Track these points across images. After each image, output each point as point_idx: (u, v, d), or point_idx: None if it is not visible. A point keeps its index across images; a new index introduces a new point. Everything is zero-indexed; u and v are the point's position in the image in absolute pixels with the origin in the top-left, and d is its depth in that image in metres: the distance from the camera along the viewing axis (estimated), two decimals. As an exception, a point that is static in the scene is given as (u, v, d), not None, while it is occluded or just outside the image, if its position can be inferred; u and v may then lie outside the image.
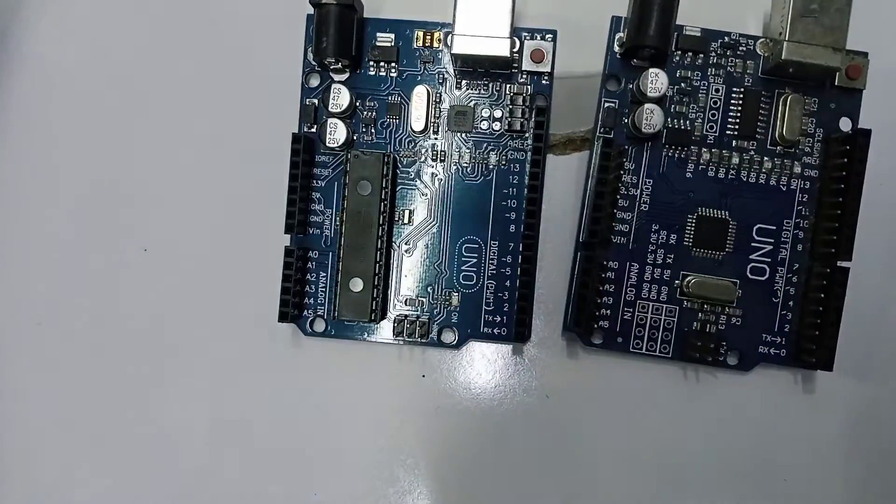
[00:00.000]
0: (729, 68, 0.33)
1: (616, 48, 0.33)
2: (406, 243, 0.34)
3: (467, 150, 0.34)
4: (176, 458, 0.35)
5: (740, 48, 0.33)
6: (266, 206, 0.34)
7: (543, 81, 0.33)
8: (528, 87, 0.33)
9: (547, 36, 0.33)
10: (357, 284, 0.32)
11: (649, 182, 0.33)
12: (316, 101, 0.34)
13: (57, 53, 0.37)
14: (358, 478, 0.35)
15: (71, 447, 0.35)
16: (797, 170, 0.33)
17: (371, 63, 0.34)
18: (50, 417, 0.35)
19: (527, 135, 0.33)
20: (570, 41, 0.33)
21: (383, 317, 0.34)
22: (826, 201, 0.33)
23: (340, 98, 0.33)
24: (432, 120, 0.34)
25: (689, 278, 0.33)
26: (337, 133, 0.33)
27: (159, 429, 0.35)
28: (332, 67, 0.34)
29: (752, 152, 0.33)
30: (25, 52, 0.37)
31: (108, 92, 0.37)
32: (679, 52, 0.33)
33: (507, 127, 0.33)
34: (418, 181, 0.34)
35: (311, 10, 0.33)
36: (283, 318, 0.33)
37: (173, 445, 0.35)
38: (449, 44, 0.33)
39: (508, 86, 0.33)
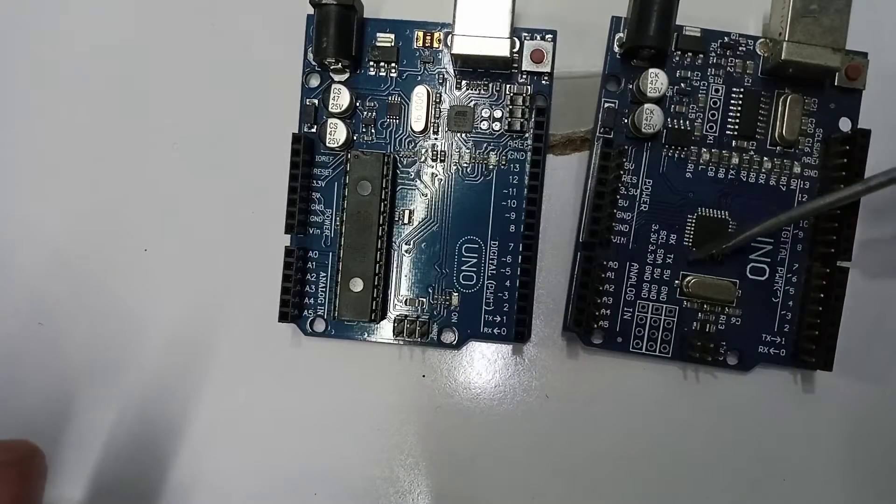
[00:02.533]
0: (729, 68, 0.33)
1: (616, 48, 0.33)
2: (406, 243, 0.34)
3: (467, 151, 0.34)
4: (175, 458, 0.35)
5: (740, 48, 0.33)
6: (266, 206, 0.35)
7: (543, 81, 0.33)
8: (528, 87, 0.33)
9: (547, 36, 0.33)
10: (357, 284, 0.32)
11: (649, 182, 0.33)
12: (316, 101, 0.34)
13: (56, 52, 0.37)
14: (358, 478, 0.35)
15: (69, 447, 0.35)
16: (797, 170, 0.33)
17: (371, 63, 0.34)
18: (50, 418, 0.35)
19: (527, 135, 0.33)
20: (570, 41, 0.33)
21: (383, 317, 0.34)
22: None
23: (340, 98, 0.33)
24: (432, 120, 0.34)
25: (688, 278, 0.33)
26: (337, 133, 0.33)
27: (158, 429, 0.35)
28: (332, 68, 0.34)
29: (752, 152, 0.33)
30: (25, 51, 0.37)
31: (108, 91, 0.37)
32: (679, 53, 0.33)
33: (506, 127, 0.33)
34: (418, 181, 0.34)
35: (311, 10, 0.33)
36: (283, 318, 0.33)
37: (173, 445, 0.35)
38: (449, 44, 0.33)
39: (508, 86, 0.33)
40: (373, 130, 0.34)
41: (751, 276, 0.33)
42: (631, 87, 0.33)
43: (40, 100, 0.37)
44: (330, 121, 0.33)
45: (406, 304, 0.34)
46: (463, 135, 0.34)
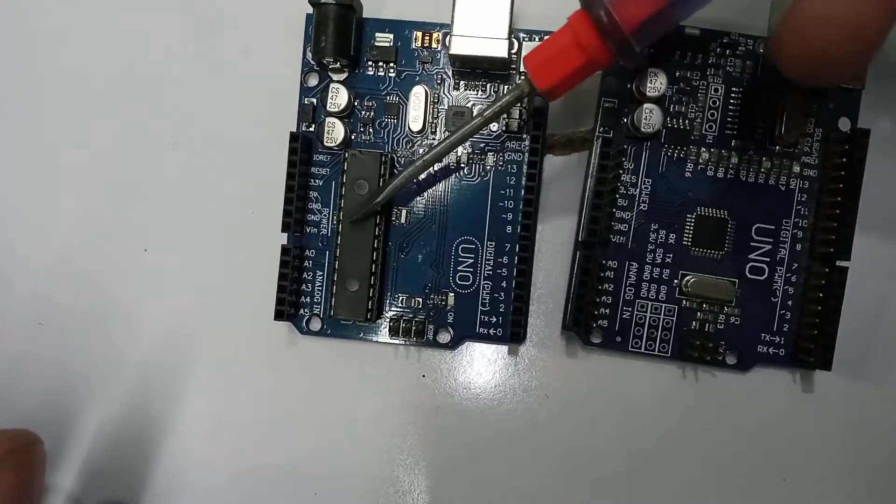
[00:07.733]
0: (728, 68, 0.33)
1: (615, 48, 0.33)
2: (403, 243, 0.34)
3: (465, 151, 0.34)
4: (172, 457, 0.35)
5: (740, 48, 0.33)
6: (264, 205, 0.35)
7: (542, 81, 0.33)
8: (527, 87, 0.33)
9: (546, 37, 0.33)
10: (353, 284, 0.32)
11: (648, 182, 0.33)
12: (314, 100, 0.34)
13: (55, 52, 0.37)
14: (358, 478, 0.35)
15: (70, 447, 0.36)
16: (796, 169, 0.33)
17: (370, 63, 0.34)
18: (50, 418, 0.36)
19: (524, 136, 0.33)
20: (568, 41, 0.33)
21: (379, 316, 0.34)
22: (825, 201, 0.32)
23: (339, 98, 0.33)
24: (430, 120, 0.34)
25: (687, 278, 0.33)
26: (335, 132, 0.33)
27: (156, 428, 0.35)
28: (330, 67, 0.34)
29: (752, 152, 0.33)
30: (24, 50, 0.37)
31: (107, 91, 0.37)
32: (679, 52, 0.33)
33: (504, 128, 0.33)
34: (415, 181, 0.34)
35: (310, 10, 0.33)
36: (279, 316, 0.33)
37: (170, 444, 0.35)
38: (447, 44, 0.33)
39: (506, 87, 0.33)
40: (370, 130, 0.34)
41: (750, 276, 0.33)
42: (630, 86, 0.33)
43: (39, 100, 0.37)
44: (328, 120, 0.33)
45: (402, 304, 0.34)
46: (461, 135, 0.34)
